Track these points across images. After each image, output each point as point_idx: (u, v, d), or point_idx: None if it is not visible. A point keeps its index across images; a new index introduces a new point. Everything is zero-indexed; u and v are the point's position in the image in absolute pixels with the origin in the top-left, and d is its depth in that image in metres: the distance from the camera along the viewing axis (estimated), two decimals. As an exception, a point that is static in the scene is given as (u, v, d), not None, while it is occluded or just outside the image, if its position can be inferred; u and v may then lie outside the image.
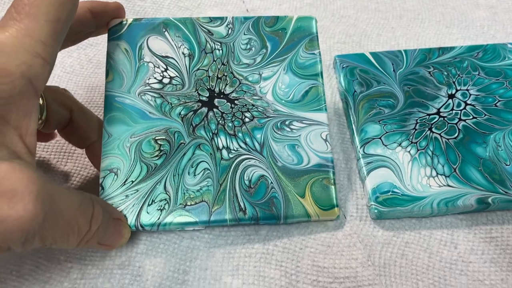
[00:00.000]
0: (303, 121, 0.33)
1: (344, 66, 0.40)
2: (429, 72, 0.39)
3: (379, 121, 0.36)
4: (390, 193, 0.32)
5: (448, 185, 0.32)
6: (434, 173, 0.33)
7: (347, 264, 0.30)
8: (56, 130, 0.33)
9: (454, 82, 0.38)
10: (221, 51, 0.34)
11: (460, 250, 0.31)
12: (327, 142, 0.33)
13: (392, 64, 0.40)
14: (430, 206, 0.31)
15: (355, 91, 0.38)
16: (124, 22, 0.34)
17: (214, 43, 0.34)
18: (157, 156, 0.31)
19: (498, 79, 0.38)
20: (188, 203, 0.30)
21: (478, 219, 0.32)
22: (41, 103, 0.30)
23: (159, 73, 0.33)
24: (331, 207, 0.31)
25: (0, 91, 0.22)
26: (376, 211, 0.31)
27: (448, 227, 0.32)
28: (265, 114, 0.33)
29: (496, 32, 0.43)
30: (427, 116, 0.36)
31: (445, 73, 0.39)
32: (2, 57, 0.22)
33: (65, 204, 0.24)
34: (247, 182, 0.31)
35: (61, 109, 0.31)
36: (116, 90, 0.32)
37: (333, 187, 0.32)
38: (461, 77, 0.38)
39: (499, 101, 0.37)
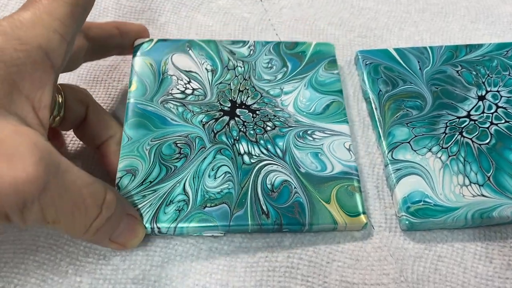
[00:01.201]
0: (325, 131, 0.33)
1: (367, 63, 0.37)
2: (457, 71, 0.37)
3: (407, 124, 0.34)
4: (422, 203, 0.30)
5: (483, 195, 0.30)
6: (467, 182, 0.31)
7: (378, 280, 0.28)
8: (70, 131, 0.33)
9: (483, 83, 0.36)
10: (243, 68, 0.36)
11: (496, 265, 0.29)
12: (350, 152, 0.32)
13: (418, 62, 0.37)
14: (465, 217, 0.29)
15: (380, 90, 0.36)
16: (150, 41, 0.36)
17: (236, 61, 0.36)
18: (177, 158, 0.31)
19: (529, 80, 0.36)
20: (208, 205, 0.29)
21: (513, 231, 0.30)
22: (60, 100, 0.29)
23: (182, 85, 0.34)
24: (357, 213, 0.29)
25: (14, 58, 0.23)
26: (407, 222, 0.30)
27: (482, 240, 0.30)
28: (287, 124, 0.33)
29: (524, 29, 0.41)
30: (457, 119, 0.34)
31: (474, 72, 0.37)
32: (21, 30, 0.23)
33: (72, 179, 0.23)
34: (269, 186, 0.30)
35: (78, 106, 0.31)
36: (138, 98, 0.33)
37: (359, 194, 0.30)
38: (491, 77, 0.36)
39: (532, 104, 0.35)
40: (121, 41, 0.35)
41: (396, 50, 0.38)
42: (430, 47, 0.38)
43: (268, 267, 0.29)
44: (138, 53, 0.35)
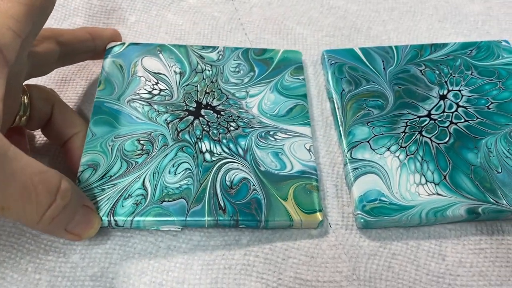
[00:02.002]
0: (287, 133, 0.34)
1: (332, 62, 0.38)
2: (421, 71, 0.37)
3: (367, 123, 0.34)
4: (378, 201, 0.31)
5: (438, 194, 0.31)
6: (423, 181, 0.31)
7: (331, 278, 0.29)
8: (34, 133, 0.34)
9: (446, 82, 0.37)
10: (211, 71, 0.37)
11: (448, 262, 0.30)
12: (310, 152, 0.33)
13: (383, 61, 0.38)
14: (419, 216, 0.30)
15: (343, 90, 0.36)
16: (122, 45, 0.37)
17: (205, 65, 0.37)
18: (139, 154, 0.32)
19: (491, 80, 0.37)
20: (166, 200, 0.30)
21: (467, 229, 0.31)
22: (26, 101, 0.30)
23: (150, 86, 0.35)
24: (314, 211, 0.30)
25: None
26: (362, 220, 0.30)
27: (437, 238, 0.31)
28: (250, 125, 0.34)
29: (491, 28, 0.42)
30: (418, 119, 0.35)
31: (437, 72, 0.37)
32: None
33: (21, 167, 0.23)
34: (228, 183, 0.31)
35: (44, 105, 0.31)
36: (105, 97, 0.34)
37: (316, 192, 0.31)
38: (454, 76, 0.37)
39: (492, 103, 0.35)
40: (93, 45, 0.36)
41: (362, 49, 0.39)
42: (396, 47, 0.39)
43: (225, 264, 0.29)
44: (109, 55, 0.36)
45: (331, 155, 0.34)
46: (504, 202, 0.30)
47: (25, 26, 0.26)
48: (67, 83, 0.38)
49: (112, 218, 0.29)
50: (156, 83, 0.35)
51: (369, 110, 0.35)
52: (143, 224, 0.29)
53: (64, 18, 0.41)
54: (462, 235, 0.31)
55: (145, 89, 0.35)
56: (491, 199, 0.31)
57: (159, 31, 0.41)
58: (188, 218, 0.29)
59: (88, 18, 0.42)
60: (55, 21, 0.41)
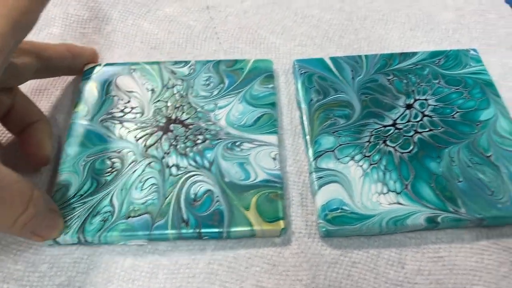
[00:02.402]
0: (254, 142, 0.34)
1: (302, 72, 0.38)
2: (389, 80, 0.38)
3: (333, 133, 0.35)
4: (339, 210, 0.31)
5: (399, 203, 0.32)
6: (385, 190, 0.32)
7: (291, 286, 0.29)
8: None
9: (413, 91, 0.37)
10: (181, 86, 0.38)
11: (407, 271, 0.30)
12: (275, 161, 0.34)
13: (352, 71, 0.38)
14: (379, 225, 0.31)
15: (311, 99, 0.37)
16: (98, 66, 0.39)
17: (176, 80, 0.38)
18: (109, 172, 0.33)
19: (458, 89, 0.37)
20: (132, 215, 0.31)
21: (427, 237, 0.32)
22: None
23: (122, 104, 0.37)
24: (276, 219, 0.31)
25: None
26: (324, 229, 0.31)
27: (397, 246, 0.31)
28: (217, 137, 0.35)
29: (461, 37, 0.42)
30: (383, 128, 0.35)
31: (405, 81, 0.38)
32: None
33: (0, 177, 0.25)
34: (192, 196, 0.32)
35: (8, 98, 0.33)
36: (80, 119, 0.36)
37: (280, 201, 0.32)
38: (421, 85, 0.38)
39: (457, 112, 0.36)
40: (72, 64, 0.38)
41: (331, 59, 0.39)
42: (366, 56, 0.39)
43: (189, 273, 0.30)
44: (86, 77, 0.38)
45: (298, 164, 0.35)
46: (463, 211, 0.31)
47: (8, 42, 0.26)
48: (42, 92, 0.39)
49: (81, 236, 0.30)
50: (128, 101, 0.37)
51: (335, 119, 0.36)
52: (110, 239, 0.30)
53: (41, 28, 0.42)
54: (422, 243, 0.31)
55: (118, 108, 0.36)
56: (450, 208, 0.31)
57: (134, 40, 0.42)
58: (152, 232, 0.30)
59: (64, 27, 0.42)
60: (32, 31, 0.42)
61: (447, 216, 0.31)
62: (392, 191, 0.32)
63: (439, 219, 0.31)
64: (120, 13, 0.44)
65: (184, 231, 0.30)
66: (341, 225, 0.31)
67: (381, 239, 0.32)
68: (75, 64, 0.38)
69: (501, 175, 0.33)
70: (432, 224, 0.31)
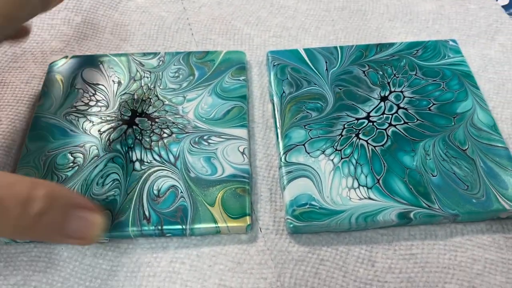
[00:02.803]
0: (222, 136, 0.33)
1: (275, 63, 0.37)
2: (364, 72, 0.37)
3: (304, 126, 0.34)
4: (308, 206, 0.30)
5: (369, 198, 0.30)
6: (356, 184, 0.31)
7: (255, 285, 0.28)
8: None
9: (388, 83, 0.36)
10: (149, 78, 0.36)
11: (377, 269, 0.29)
12: (244, 155, 0.32)
13: (326, 62, 0.37)
14: (348, 221, 0.29)
15: (283, 91, 0.36)
16: (65, 59, 0.37)
17: (144, 72, 0.37)
18: (70, 167, 0.31)
19: (435, 80, 0.36)
20: None
21: (399, 234, 0.30)
22: None
23: (87, 97, 0.35)
24: (242, 215, 0.30)
25: None
26: (291, 225, 0.30)
27: (368, 243, 0.30)
28: (185, 131, 0.33)
29: (441, 27, 0.41)
30: (356, 121, 0.34)
31: (381, 72, 0.37)
32: None
33: None
34: (155, 192, 0.30)
35: None
36: (43, 112, 0.34)
37: (247, 196, 0.31)
38: (397, 77, 0.36)
39: (434, 104, 0.35)
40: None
41: (306, 50, 0.38)
42: (341, 47, 0.38)
43: (150, 272, 0.29)
44: (51, 70, 0.37)
45: (268, 158, 0.34)
46: (437, 206, 0.30)
47: None
48: (7, 85, 0.37)
49: None
50: (94, 94, 0.35)
51: (307, 112, 0.34)
52: None
53: (8, 20, 0.41)
54: (394, 240, 0.30)
55: (82, 101, 0.35)
56: (423, 204, 0.30)
57: (104, 32, 0.41)
58: (112, 230, 0.29)
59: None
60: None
61: (420, 212, 0.30)
62: (363, 186, 0.31)
63: (411, 215, 0.30)
64: (91, 3, 0.42)
65: (145, 228, 0.29)
66: (309, 221, 0.30)
67: (352, 236, 0.30)
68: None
69: (477, 169, 0.31)
70: (404, 220, 0.30)
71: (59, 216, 0.24)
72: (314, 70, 0.37)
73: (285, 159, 0.32)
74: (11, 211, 0.23)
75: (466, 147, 0.32)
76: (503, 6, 0.42)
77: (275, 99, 0.35)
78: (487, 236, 0.30)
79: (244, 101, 0.35)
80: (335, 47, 0.38)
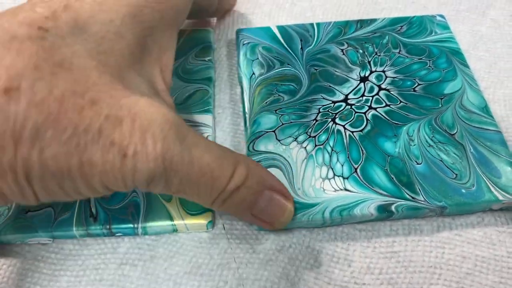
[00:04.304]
0: None
1: (245, 42, 0.34)
2: (342, 50, 0.33)
3: (275, 111, 0.30)
4: (276, 199, 0.27)
5: (346, 189, 0.27)
6: (330, 174, 0.28)
7: (214, 289, 0.25)
8: None
9: (369, 62, 0.33)
10: None
11: (354, 269, 0.26)
12: None
13: (301, 41, 0.34)
14: (322, 215, 0.26)
15: (253, 73, 0.32)
16: None
17: None
18: None
19: (421, 58, 0.33)
20: (32, 209, 0.26)
21: (380, 229, 0.27)
22: None
23: None
24: (202, 211, 0.26)
25: (150, 19, 0.23)
26: (257, 222, 0.26)
27: (344, 240, 0.27)
28: None
29: (428, 2, 0.37)
30: (332, 104, 0.31)
31: (361, 51, 0.33)
32: None
33: (199, 155, 0.22)
34: None
35: None
36: None
37: None
38: (379, 55, 0.33)
39: (419, 84, 0.31)
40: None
41: (279, 28, 0.34)
42: (317, 24, 0.35)
43: (96, 276, 0.25)
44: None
45: (236, 146, 0.30)
46: (422, 198, 0.26)
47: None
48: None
49: None
50: None
51: (279, 95, 0.31)
52: (6, 239, 0.26)
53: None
54: (373, 236, 0.27)
55: None
56: (407, 195, 0.27)
57: None
58: (54, 229, 0.26)
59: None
60: None
61: (402, 204, 0.26)
62: (339, 176, 0.27)
63: (392, 207, 0.26)
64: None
65: (91, 227, 0.26)
66: (277, 217, 0.26)
67: (326, 232, 0.27)
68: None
69: (466, 155, 0.28)
70: (384, 213, 0.26)
71: (251, 195, 0.24)
72: (288, 49, 0.33)
73: (252, 147, 0.29)
74: (216, 185, 0.22)
75: (455, 131, 0.29)
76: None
77: (244, 82, 0.32)
78: (478, 230, 0.27)
79: (209, 84, 0.32)
80: (311, 24, 0.35)
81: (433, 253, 0.26)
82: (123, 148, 0.19)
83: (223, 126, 0.31)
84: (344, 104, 0.30)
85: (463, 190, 0.27)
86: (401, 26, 0.34)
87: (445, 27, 0.34)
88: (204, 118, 0.30)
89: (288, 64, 0.32)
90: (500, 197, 0.26)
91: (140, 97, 0.21)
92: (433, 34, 0.34)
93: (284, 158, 0.28)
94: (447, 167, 0.28)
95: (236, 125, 0.31)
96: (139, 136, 0.20)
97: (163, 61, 0.24)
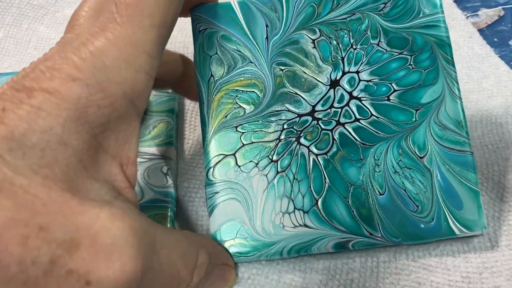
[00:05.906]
0: (144, 156, 0.29)
1: (201, 29, 0.29)
2: (314, 42, 0.29)
3: (236, 128, 0.28)
4: (235, 238, 0.27)
5: (305, 225, 0.27)
6: (291, 208, 0.27)
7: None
8: None
9: (343, 59, 0.29)
10: None
11: (310, 299, 0.28)
12: (167, 176, 0.28)
13: (266, 26, 0.29)
14: (280, 254, 0.27)
15: (211, 75, 0.29)
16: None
17: None
18: None
19: (401, 53, 0.29)
20: None
21: (338, 257, 0.28)
22: None
23: None
24: None
25: (99, 117, 0.20)
26: (217, 259, 0.27)
27: (302, 269, 0.28)
28: None
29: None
30: (298, 119, 0.28)
31: (334, 42, 0.29)
32: (102, 74, 0.19)
33: (167, 255, 0.21)
34: None
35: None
36: None
37: (168, 224, 0.27)
38: (355, 49, 0.29)
39: (395, 91, 0.28)
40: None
41: (240, 4, 0.29)
42: (287, 0, 0.29)
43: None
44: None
45: (198, 177, 0.29)
46: (379, 234, 0.27)
47: (157, 61, 0.21)
48: None
49: None
50: None
51: (240, 106, 0.28)
52: None
53: None
54: (331, 264, 0.28)
55: None
56: (364, 231, 0.27)
57: (27, 47, 0.34)
58: None
59: None
60: None
61: (359, 241, 0.27)
62: (299, 210, 0.27)
63: (350, 245, 0.27)
64: (14, 17, 0.36)
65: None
66: (236, 256, 0.27)
67: (285, 262, 0.28)
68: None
69: (432, 184, 0.27)
70: (341, 250, 0.27)
71: (206, 278, 0.24)
72: (250, 38, 0.29)
73: (212, 175, 0.28)
74: (182, 282, 0.22)
75: (425, 154, 0.27)
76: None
77: (202, 88, 0.29)
78: (433, 256, 0.28)
79: (171, 115, 0.30)
80: (280, 0, 0.29)
81: (389, 279, 0.28)
82: (84, 276, 0.18)
83: (184, 149, 0.29)
84: (310, 118, 0.28)
85: (422, 226, 0.27)
86: (385, 4, 0.29)
87: (435, 5, 0.29)
88: (166, 151, 0.28)
89: (251, 62, 0.29)
90: (457, 232, 0.27)
91: (100, 210, 0.19)
92: (421, 14, 0.29)
93: (244, 188, 0.27)
94: (410, 198, 0.27)
95: (199, 155, 0.29)
96: (103, 259, 0.18)
97: (123, 154, 0.21)
